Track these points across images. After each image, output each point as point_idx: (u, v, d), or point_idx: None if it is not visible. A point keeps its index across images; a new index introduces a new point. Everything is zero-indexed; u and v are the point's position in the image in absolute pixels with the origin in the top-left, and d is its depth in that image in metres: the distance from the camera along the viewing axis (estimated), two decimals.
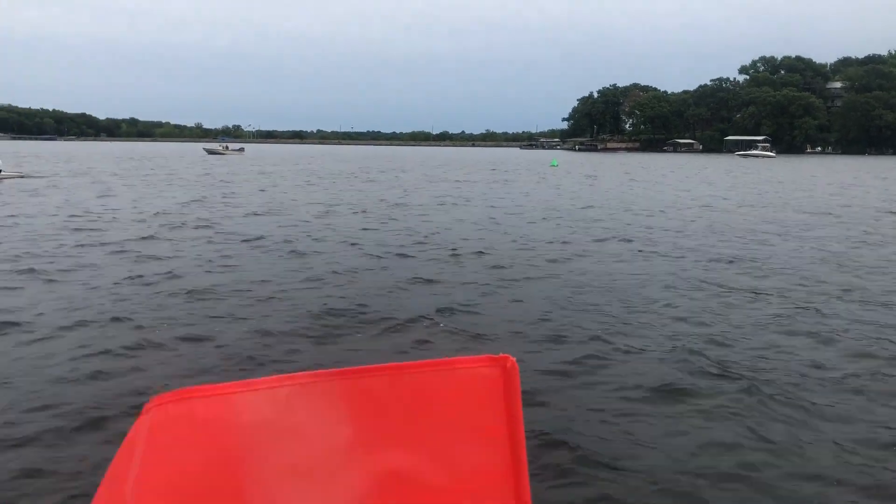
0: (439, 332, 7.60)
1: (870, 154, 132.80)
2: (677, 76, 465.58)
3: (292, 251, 12.89)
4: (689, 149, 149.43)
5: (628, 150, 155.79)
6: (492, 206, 22.68)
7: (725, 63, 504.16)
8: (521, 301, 9.17)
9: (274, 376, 1.12)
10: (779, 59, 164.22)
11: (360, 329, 7.66)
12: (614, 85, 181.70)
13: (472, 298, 9.18)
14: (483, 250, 13.17)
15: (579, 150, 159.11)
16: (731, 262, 12.38)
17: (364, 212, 20.39)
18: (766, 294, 9.65)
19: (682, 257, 12.89)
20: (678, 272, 11.32)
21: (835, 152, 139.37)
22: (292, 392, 1.12)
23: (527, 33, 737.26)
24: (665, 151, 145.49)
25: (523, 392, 1.15)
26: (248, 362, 6.47)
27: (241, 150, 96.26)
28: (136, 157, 70.72)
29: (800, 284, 10.43)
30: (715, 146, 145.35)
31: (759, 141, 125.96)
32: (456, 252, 12.98)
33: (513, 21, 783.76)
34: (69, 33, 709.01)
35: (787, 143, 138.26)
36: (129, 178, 35.33)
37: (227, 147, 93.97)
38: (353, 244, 13.90)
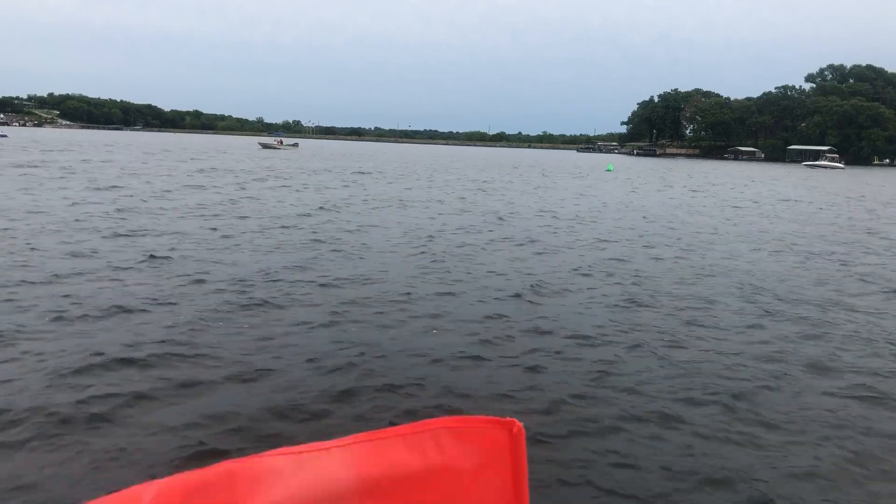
0: None
1: None
2: (740, 82, 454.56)
3: None
4: (750, 157, 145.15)
5: (688, 156, 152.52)
6: None
7: (791, 70, 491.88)
8: None
9: (295, 446, 1.15)
10: (848, 67, 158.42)
11: None
12: (675, 90, 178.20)
13: None
14: None
15: (637, 154, 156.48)
16: None
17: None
18: None
19: None
20: None
21: None
22: (309, 459, 1.12)
23: (588, 35, 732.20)
24: (725, 159, 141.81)
25: None
26: None
27: (296, 145, 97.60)
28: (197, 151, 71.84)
29: None
30: (777, 155, 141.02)
31: (824, 151, 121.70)
32: None
33: (574, 23, 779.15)
34: (139, 27, 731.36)
35: (854, 154, 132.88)
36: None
37: (281, 142, 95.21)
38: None
